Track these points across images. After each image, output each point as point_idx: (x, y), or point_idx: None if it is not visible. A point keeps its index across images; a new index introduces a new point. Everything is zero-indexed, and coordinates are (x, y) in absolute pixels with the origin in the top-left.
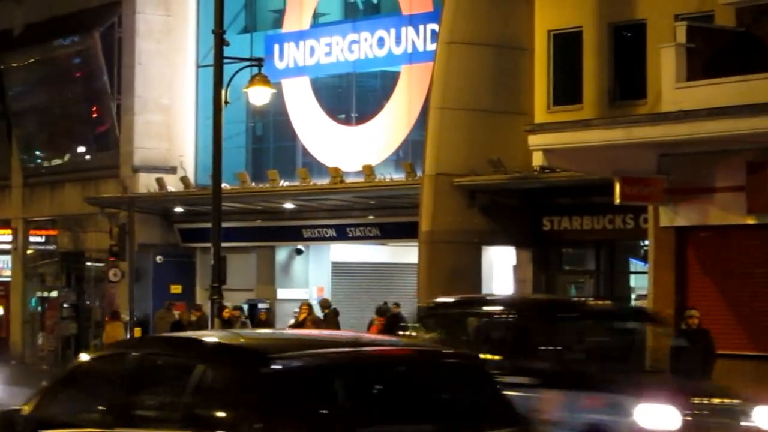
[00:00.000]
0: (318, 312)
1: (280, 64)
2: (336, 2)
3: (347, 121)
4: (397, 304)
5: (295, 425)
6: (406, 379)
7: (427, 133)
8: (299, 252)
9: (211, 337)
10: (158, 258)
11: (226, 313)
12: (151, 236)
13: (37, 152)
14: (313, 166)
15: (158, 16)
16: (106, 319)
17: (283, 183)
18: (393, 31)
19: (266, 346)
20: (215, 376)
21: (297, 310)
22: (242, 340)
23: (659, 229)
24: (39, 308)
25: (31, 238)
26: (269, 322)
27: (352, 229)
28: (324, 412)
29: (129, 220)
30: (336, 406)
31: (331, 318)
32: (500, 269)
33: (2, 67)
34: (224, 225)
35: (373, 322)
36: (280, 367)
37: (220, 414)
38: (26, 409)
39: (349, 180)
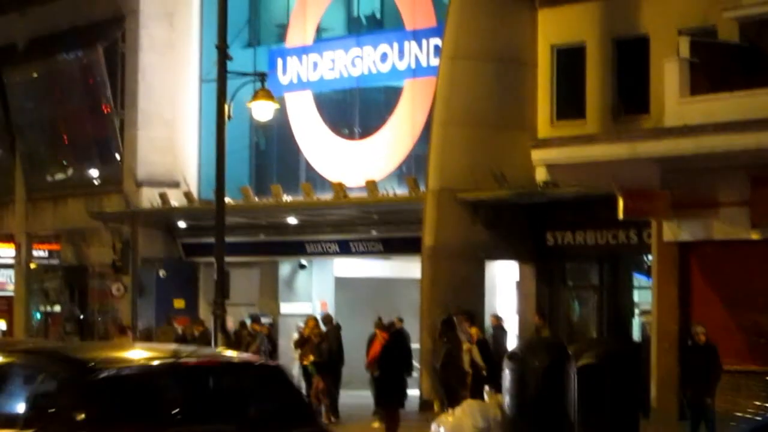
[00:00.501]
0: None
1: (283, 79)
2: (339, 17)
3: (350, 136)
4: (400, 319)
5: (115, 426)
6: (215, 385)
7: (431, 147)
8: (302, 266)
9: (50, 347)
10: (161, 272)
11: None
12: (154, 250)
13: (41, 166)
14: (317, 181)
15: (162, 30)
16: (114, 332)
17: (287, 198)
18: (396, 45)
19: (94, 357)
20: (51, 383)
21: (302, 324)
22: (75, 351)
23: (663, 244)
24: (42, 322)
25: (35, 252)
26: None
27: (356, 243)
28: (141, 414)
29: (132, 235)
30: (152, 409)
31: (331, 333)
32: (504, 284)
33: (6, 81)
34: (227, 239)
35: (375, 337)
36: (104, 375)
37: (52, 415)
38: None
39: (352, 195)
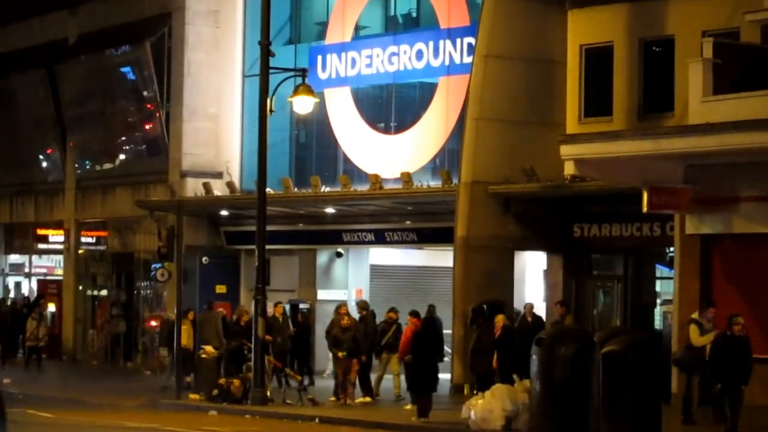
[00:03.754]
0: (354, 313)
1: (322, 75)
2: (377, 16)
3: (386, 130)
4: (432, 306)
5: None
6: None
7: (464, 142)
8: (339, 255)
9: None
10: (204, 259)
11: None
12: (197, 239)
13: (90, 157)
14: (354, 173)
15: (207, 27)
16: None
17: (325, 189)
18: (431, 44)
19: None
20: None
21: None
22: None
23: (685, 237)
24: (90, 305)
25: (83, 239)
26: (306, 324)
27: (390, 233)
28: None
29: (177, 223)
30: None
31: (368, 319)
32: (532, 274)
33: (57, 75)
34: (268, 228)
35: (408, 323)
36: None
37: None
38: None
39: (387, 186)
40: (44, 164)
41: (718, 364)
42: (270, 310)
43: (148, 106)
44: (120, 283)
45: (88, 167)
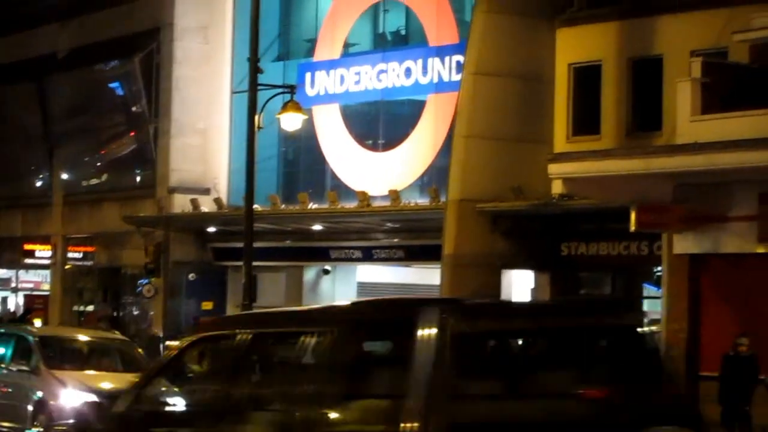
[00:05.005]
0: None
1: (311, 92)
2: (366, 33)
3: (375, 147)
4: None
5: None
6: None
7: (452, 159)
8: (327, 272)
9: None
10: (191, 275)
11: None
12: (185, 254)
13: (77, 171)
14: (342, 190)
15: (196, 43)
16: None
17: (313, 205)
18: (420, 61)
19: None
20: None
21: None
22: None
23: (673, 256)
24: (77, 320)
25: (70, 254)
26: None
27: (378, 250)
28: None
29: (164, 239)
30: None
31: None
32: (519, 292)
33: (46, 88)
34: (255, 244)
35: None
36: None
37: None
38: None
39: (375, 204)
40: (32, 178)
41: (723, 386)
42: None
43: (137, 120)
44: (107, 298)
45: (75, 181)
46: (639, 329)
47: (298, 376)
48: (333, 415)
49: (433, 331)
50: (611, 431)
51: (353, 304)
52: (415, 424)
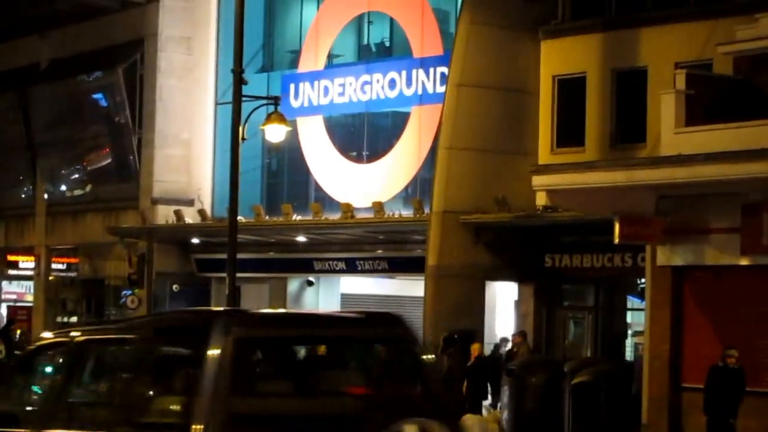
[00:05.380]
0: None
1: (295, 103)
2: (350, 44)
3: (359, 159)
4: None
5: None
6: None
7: (436, 171)
8: (310, 283)
9: None
10: (174, 286)
11: None
12: (168, 265)
13: (61, 182)
14: (326, 201)
15: (180, 54)
16: None
17: (297, 217)
18: (404, 73)
19: None
20: None
21: None
22: None
23: (656, 268)
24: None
25: (54, 265)
26: None
27: (362, 262)
28: None
29: (148, 250)
30: None
31: None
32: (503, 304)
33: (29, 99)
34: (239, 256)
35: None
36: None
37: None
38: None
39: (359, 215)
40: (15, 189)
41: (710, 397)
42: None
43: (120, 131)
44: (90, 309)
45: (58, 193)
46: (406, 339)
47: (116, 379)
48: (139, 410)
49: (219, 337)
50: (370, 423)
51: (157, 314)
52: (202, 417)
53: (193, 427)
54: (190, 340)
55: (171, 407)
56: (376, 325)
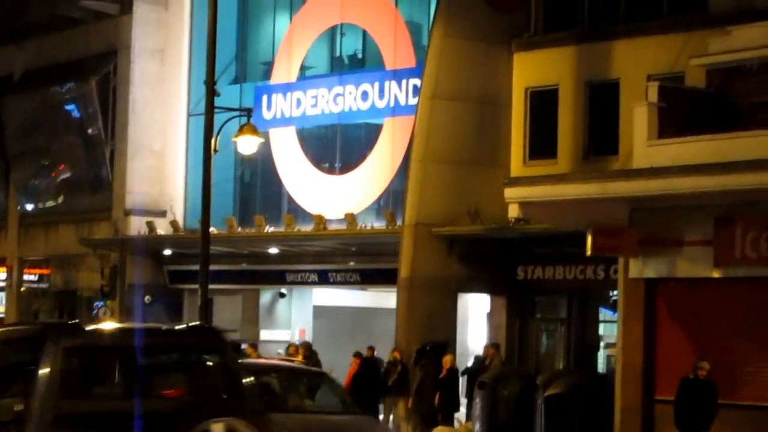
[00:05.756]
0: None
1: (268, 114)
2: (323, 56)
3: (331, 170)
4: (372, 348)
5: None
6: None
7: (408, 183)
8: (282, 295)
9: None
10: (147, 298)
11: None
12: (140, 277)
13: (33, 193)
14: (298, 213)
15: (153, 65)
16: None
17: (269, 228)
18: (377, 84)
19: None
20: None
21: (282, 351)
22: None
23: (629, 280)
24: None
25: (26, 276)
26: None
27: (334, 274)
28: None
29: (120, 261)
30: None
31: (313, 360)
32: (475, 315)
33: (1, 110)
34: (211, 267)
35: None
36: None
37: None
38: None
39: (332, 227)
40: None
41: (680, 409)
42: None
43: (93, 142)
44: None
45: (31, 204)
46: (219, 348)
47: None
48: None
49: (51, 346)
50: (183, 421)
51: (5, 326)
52: (34, 416)
53: (26, 424)
54: (30, 348)
55: (13, 407)
56: (193, 335)
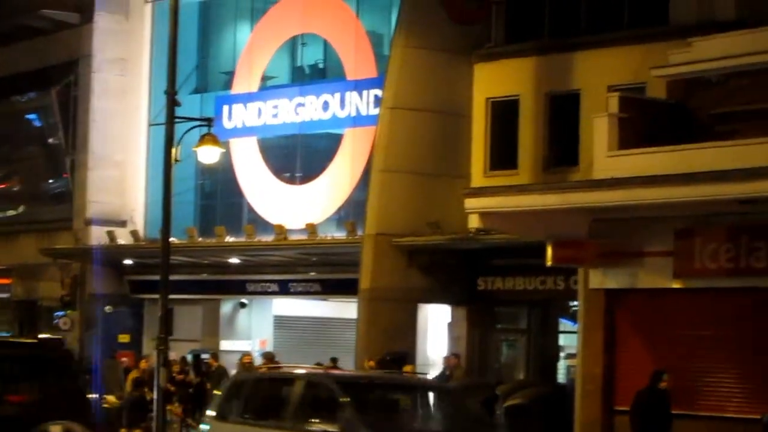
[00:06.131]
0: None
1: (229, 124)
2: (284, 66)
3: (292, 181)
4: (334, 359)
5: None
6: None
7: (369, 193)
8: (243, 305)
9: None
10: (107, 308)
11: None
12: (101, 287)
13: None
14: (259, 223)
15: (114, 75)
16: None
17: (230, 238)
18: (338, 95)
19: None
20: None
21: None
22: None
23: (589, 291)
24: None
25: None
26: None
27: (295, 284)
28: None
29: (81, 271)
30: None
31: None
32: (436, 326)
33: None
34: (172, 277)
35: None
36: None
37: None
38: None
39: (292, 237)
40: None
41: (635, 420)
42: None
43: (54, 152)
44: (23, 331)
45: None
46: (64, 358)
47: None
48: None
49: None
50: (25, 423)
51: None
52: None
53: None
54: None
55: None
56: (42, 347)
